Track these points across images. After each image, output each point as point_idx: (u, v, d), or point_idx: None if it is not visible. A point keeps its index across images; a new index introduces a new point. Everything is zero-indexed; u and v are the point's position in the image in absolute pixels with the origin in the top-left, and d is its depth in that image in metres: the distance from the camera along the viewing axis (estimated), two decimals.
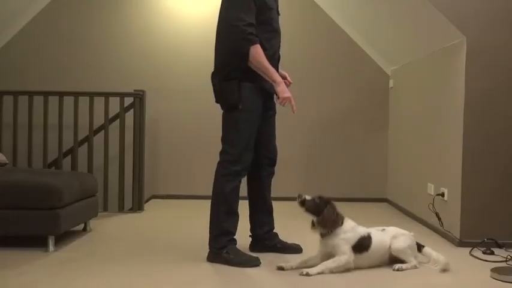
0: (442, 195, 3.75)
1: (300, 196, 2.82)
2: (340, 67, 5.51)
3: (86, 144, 4.72)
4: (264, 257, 3.01)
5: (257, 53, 2.89)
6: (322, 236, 2.83)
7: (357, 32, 5.43)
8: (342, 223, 2.83)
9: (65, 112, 4.58)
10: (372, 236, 2.87)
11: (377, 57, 5.46)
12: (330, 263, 2.75)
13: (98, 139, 4.69)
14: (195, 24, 5.50)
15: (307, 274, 2.69)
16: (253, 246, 3.24)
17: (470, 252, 3.26)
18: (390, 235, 2.93)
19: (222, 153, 3.06)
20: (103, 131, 4.67)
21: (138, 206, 4.67)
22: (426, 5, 3.50)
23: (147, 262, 2.99)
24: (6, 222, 3.17)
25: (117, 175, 4.60)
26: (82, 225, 3.75)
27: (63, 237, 3.43)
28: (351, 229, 2.83)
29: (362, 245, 2.82)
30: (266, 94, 3.11)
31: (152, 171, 5.44)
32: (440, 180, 3.86)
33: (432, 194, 3.94)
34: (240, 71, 2.94)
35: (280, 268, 2.83)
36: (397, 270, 2.84)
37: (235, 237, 3.04)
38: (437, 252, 2.94)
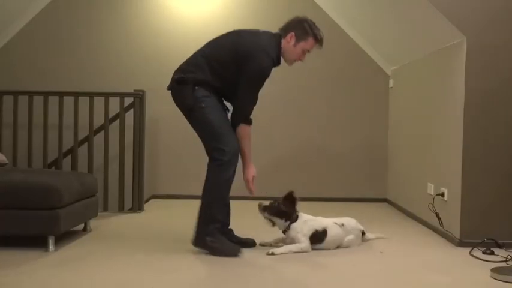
0: (442, 195, 3.75)
1: (259, 205, 3.28)
2: (340, 67, 5.51)
3: (86, 144, 4.72)
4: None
5: (248, 132, 3.29)
6: (284, 232, 3.27)
7: (357, 32, 5.43)
8: (297, 218, 3.25)
9: (65, 112, 4.58)
10: (327, 230, 3.27)
11: (377, 58, 5.46)
12: (292, 247, 3.17)
13: (98, 139, 4.69)
14: (195, 24, 5.50)
15: (272, 253, 3.11)
16: None
17: (470, 252, 3.26)
18: (346, 231, 3.35)
19: (209, 152, 3.23)
20: (103, 131, 4.66)
21: (138, 206, 4.67)
22: (426, 5, 3.50)
23: (147, 262, 2.99)
24: (6, 222, 3.17)
25: (117, 175, 4.60)
26: (82, 225, 3.75)
27: (63, 237, 3.43)
28: (303, 223, 3.24)
29: (316, 237, 3.24)
30: (219, 96, 3.29)
31: (152, 171, 5.44)
32: (440, 180, 3.86)
33: (432, 194, 3.94)
34: (198, 82, 3.17)
35: (262, 244, 3.31)
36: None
37: (220, 225, 3.24)
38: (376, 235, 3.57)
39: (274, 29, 5.90)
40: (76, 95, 4.63)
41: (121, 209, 4.63)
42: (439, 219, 3.74)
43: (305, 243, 3.19)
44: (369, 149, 5.51)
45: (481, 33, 3.42)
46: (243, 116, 3.24)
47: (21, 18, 5.39)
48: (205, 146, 3.26)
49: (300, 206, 3.29)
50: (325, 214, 3.47)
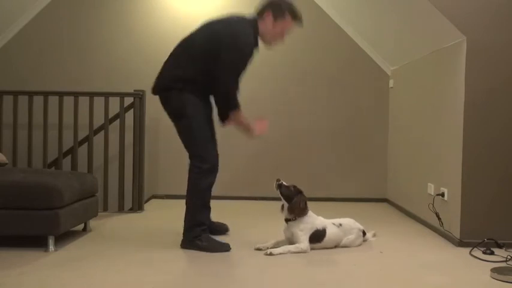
0: (442, 195, 3.75)
1: (278, 180, 3.25)
2: (340, 67, 5.51)
3: (86, 144, 4.72)
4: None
5: (240, 115, 3.26)
6: (287, 221, 3.24)
7: (357, 32, 5.43)
8: (306, 214, 3.23)
9: (65, 112, 4.58)
10: (326, 230, 3.27)
11: (377, 57, 5.46)
12: (291, 248, 3.16)
13: (98, 139, 4.69)
14: (195, 24, 5.48)
15: (271, 254, 3.10)
16: None
17: (470, 252, 3.27)
18: (344, 230, 3.36)
19: (190, 158, 3.34)
20: (103, 131, 4.66)
21: (138, 206, 4.67)
22: (426, 5, 3.50)
23: (147, 262, 2.99)
24: (6, 222, 3.17)
25: (117, 175, 4.60)
26: (82, 225, 3.75)
27: (63, 237, 3.43)
28: (310, 221, 3.23)
29: (316, 236, 3.23)
30: (205, 95, 3.33)
31: (152, 171, 5.44)
32: (440, 180, 3.86)
33: (432, 194, 3.94)
34: (182, 82, 3.18)
35: (258, 249, 3.20)
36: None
37: (206, 227, 3.33)
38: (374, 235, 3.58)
39: None
40: (76, 95, 4.63)
41: (121, 209, 4.63)
42: (439, 219, 3.74)
43: (304, 243, 3.18)
44: (368, 149, 5.51)
45: (481, 33, 3.42)
46: (231, 102, 3.19)
47: (21, 18, 5.39)
48: (187, 151, 3.35)
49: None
50: (325, 214, 3.46)
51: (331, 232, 3.30)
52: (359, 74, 5.49)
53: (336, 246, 3.34)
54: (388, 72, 5.45)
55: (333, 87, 5.52)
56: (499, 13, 3.43)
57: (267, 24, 3.19)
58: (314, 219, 3.27)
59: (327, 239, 3.27)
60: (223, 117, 3.27)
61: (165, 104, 3.34)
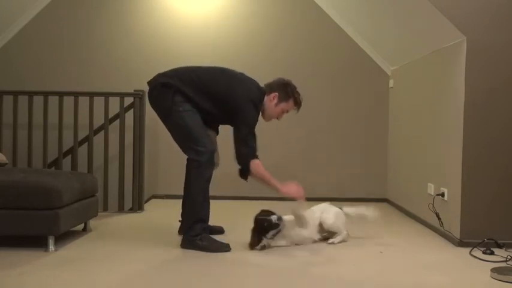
0: (442, 195, 3.75)
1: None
2: (340, 67, 5.50)
3: (86, 144, 4.72)
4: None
5: (259, 167, 3.40)
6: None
7: (357, 32, 5.43)
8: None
9: (65, 112, 4.58)
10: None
11: (377, 57, 5.46)
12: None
13: (98, 139, 4.69)
14: (196, 24, 5.50)
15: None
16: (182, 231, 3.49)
17: (470, 252, 3.27)
18: (319, 212, 3.52)
19: (186, 153, 3.34)
20: (103, 131, 4.66)
21: (138, 206, 4.67)
22: (426, 5, 3.50)
23: (147, 262, 2.99)
24: (6, 222, 3.17)
25: (117, 175, 4.60)
26: (82, 225, 3.75)
27: (63, 237, 3.43)
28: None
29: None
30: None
31: (152, 171, 5.44)
32: (440, 180, 3.86)
33: (432, 194, 3.94)
34: (182, 95, 3.29)
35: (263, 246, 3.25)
36: (331, 243, 3.41)
37: (207, 225, 3.37)
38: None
39: (274, 29, 5.90)
40: (76, 95, 4.63)
41: (121, 209, 4.63)
42: (439, 219, 3.74)
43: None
44: (369, 149, 5.51)
45: (481, 33, 3.42)
46: (252, 153, 3.38)
47: (21, 18, 5.39)
48: (181, 148, 3.39)
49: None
50: None
51: (308, 215, 3.43)
52: (359, 74, 5.49)
53: (326, 231, 3.49)
54: (388, 72, 5.45)
55: (333, 87, 5.52)
56: (499, 13, 3.43)
57: (271, 102, 3.47)
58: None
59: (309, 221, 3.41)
60: (245, 173, 3.40)
61: (156, 97, 3.39)
